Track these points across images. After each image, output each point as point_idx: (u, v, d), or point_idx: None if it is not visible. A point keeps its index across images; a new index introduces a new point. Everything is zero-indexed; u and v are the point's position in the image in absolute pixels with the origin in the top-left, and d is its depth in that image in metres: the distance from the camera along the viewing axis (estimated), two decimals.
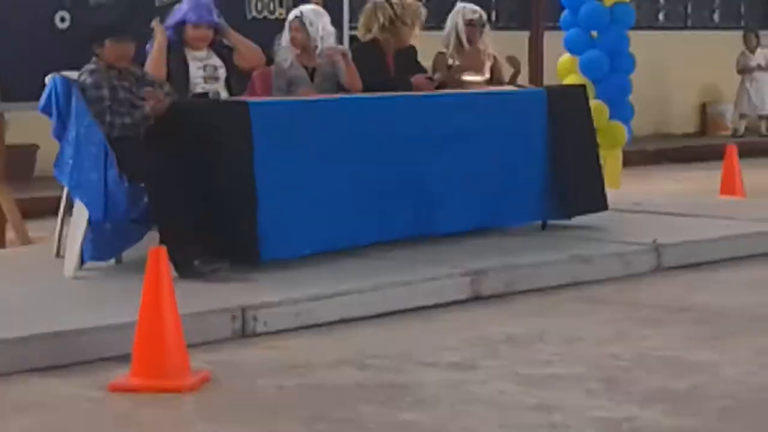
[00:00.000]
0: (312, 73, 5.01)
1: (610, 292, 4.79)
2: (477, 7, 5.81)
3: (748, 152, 8.28)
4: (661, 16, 11.39)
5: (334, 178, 4.64)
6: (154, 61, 4.60)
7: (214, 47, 4.79)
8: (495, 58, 5.86)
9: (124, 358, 3.21)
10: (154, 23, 4.65)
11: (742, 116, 10.91)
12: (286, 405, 3.04)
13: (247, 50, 4.82)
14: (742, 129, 10.91)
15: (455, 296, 4.45)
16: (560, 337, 3.88)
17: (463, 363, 3.51)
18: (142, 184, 4.29)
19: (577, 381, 3.17)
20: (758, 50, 10.85)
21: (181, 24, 4.66)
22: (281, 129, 4.55)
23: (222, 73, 4.78)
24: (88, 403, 3.05)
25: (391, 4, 5.31)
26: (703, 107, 11.43)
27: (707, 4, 11.81)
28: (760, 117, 11.02)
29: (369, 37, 5.40)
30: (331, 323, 4.03)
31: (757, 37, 10.84)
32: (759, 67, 10.83)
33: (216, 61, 4.77)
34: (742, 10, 12.12)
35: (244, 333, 3.84)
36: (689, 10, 11.68)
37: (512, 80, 5.90)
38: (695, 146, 10.17)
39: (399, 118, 4.97)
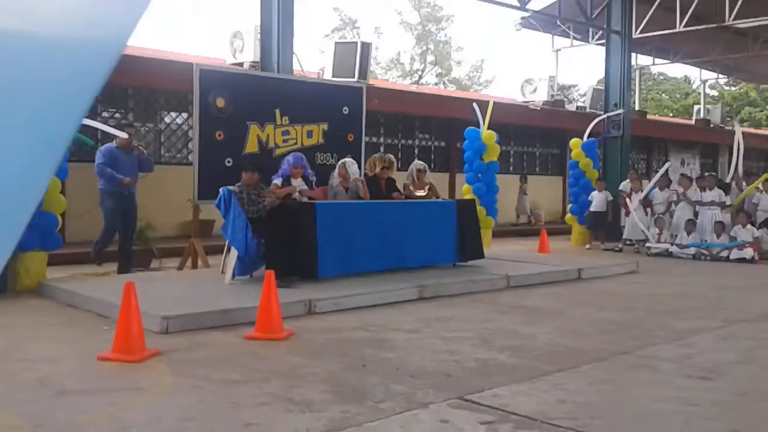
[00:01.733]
0: (346, 190, 8.48)
1: (484, 297, 7.47)
2: (421, 162, 9.58)
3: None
4: (511, 168, 19.35)
5: (356, 236, 7.65)
6: (275, 186, 7.87)
7: (304, 177, 8.15)
8: (432, 185, 9.63)
9: (252, 323, 5.51)
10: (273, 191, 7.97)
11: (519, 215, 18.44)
12: (330, 347, 5.10)
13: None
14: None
15: (411, 297, 7.15)
16: (460, 318, 6.26)
17: (413, 329, 5.79)
18: (263, 240, 7.20)
19: (468, 340, 5.40)
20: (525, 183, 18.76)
21: (290, 165, 7.96)
22: (330, 214, 7.66)
23: (306, 188, 8.12)
24: (235, 344, 5.17)
25: (381, 159, 8.68)
26: (530, 210, 19.00)
27: (532, 163, 20.52)
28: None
29: (371, 173, 8.90)
30: (350, 309, 6.53)
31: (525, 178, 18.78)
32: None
33: (304, 185, 8.11)
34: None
35: (310, 312, 6.32)
36: (524, 165, 20.07)
37: (438, 196, 9.86)
38: (527, 229, 17.22)
39: (387, 211, 8.19)
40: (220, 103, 8.90)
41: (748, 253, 11.20)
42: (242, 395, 3.98)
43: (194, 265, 9.00)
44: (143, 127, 13.27)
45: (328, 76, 15.20)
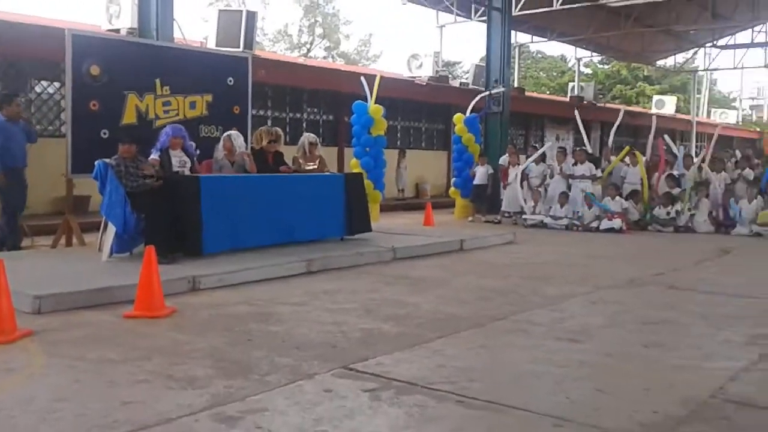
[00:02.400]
0: (232, 164, 8.27)
1: (371, 269, 7.64)
2: (313, 135, 9.48)
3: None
4: (398, 143, 19.72)
5: (243, 211, 7.57)
6: (151, 159, 7.57)
7: (184, 150, 7.82)
8: (321, 158, 9.56)
9: (131, 302, 5.32)
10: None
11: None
12: (214, 323, 5.05)
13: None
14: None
15: (299, 271, 7.20)
16: (347, 291, 6.36)
17: (300, 303, 5.82)
18: (143, 215, 6.93)
19: (354, 311, 5.50)
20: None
21: (168, 136, 7.63)
22: (215, 189, 7.49)
23: (186, 161, 7.82)
24: (113, 323, 5.02)
25: (268, 132, 8.65)
26: (416, 184, 19.76)
27: (418, 138, 20.83)
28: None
29: (258, 146, 8.73)
30: (236, 284, 6.46)
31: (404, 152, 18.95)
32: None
33: (184, 156, 7.80)
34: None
35: (194, 289, 6.21)
36: (411, 140, 20.45)
37: (327, 169, 9.83)
38: (413, 202, 17.74)
39: (274, 185, 8.13)
40: (95, 71, 8.46)
41: (617, 223, 11.95)
42: (120, 374, 3.88)
43: (68, 243, 8.55)
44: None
45: (211, 45, 14.77)
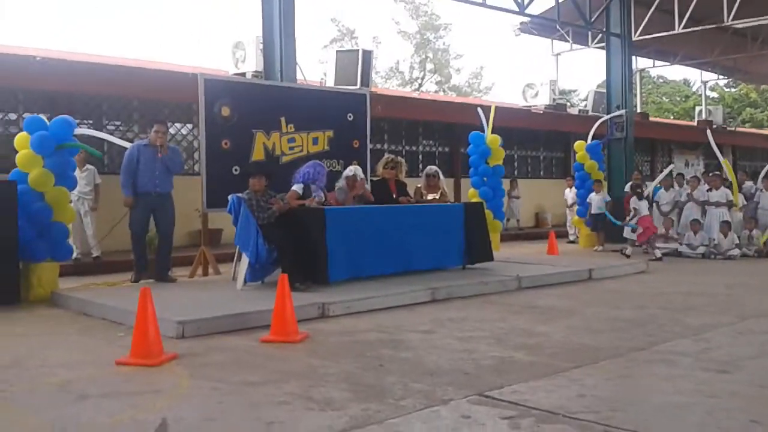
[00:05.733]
0: (354, 196, 8.45)
1: (496, 299, 7.48)
2: (434, 167, 9.56)
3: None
4: (515, 172, 19.59)
5: (365, 240, 7.71)
6: (292, 194, 7.83)
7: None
8: (444, 191, 9.61)
9: (266, 327, 5.50)
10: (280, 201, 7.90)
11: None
12: (346, 348, 5.12)
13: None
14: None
15: (423, 299, 7.20)
16: (474, 319, 6.29)
17: (428, 330, 5.81)
18: (273, 245, 7.20)
19: (483, 339, 5.41)
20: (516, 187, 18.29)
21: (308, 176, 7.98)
22: (340, 219, 7.66)
23: (321, 196, 8.09)
24: (251, 347, 5.18)
25: (386, 160, 8.81)
26: (536, 213, 19.43)
27: (536, 166, 20.77)
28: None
29: (380, 176, 8.93)
30: (363, 312, 6.56)
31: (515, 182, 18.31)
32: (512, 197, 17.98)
33: (319, 190, 8.13)
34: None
35: (323, 315, 6.35)
36: (529, 169, 20.33)
37: (446, 199, 9.75)
38: (533, 231, 17.67)
39: (395, 214, 8.24)
40: (225, 111, 8.94)
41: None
42: (261, 396, 3.99)
43: (205, 273, 9.02)
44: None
45: (330, 84, 15.26)
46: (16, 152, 7.93)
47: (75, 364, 4.79)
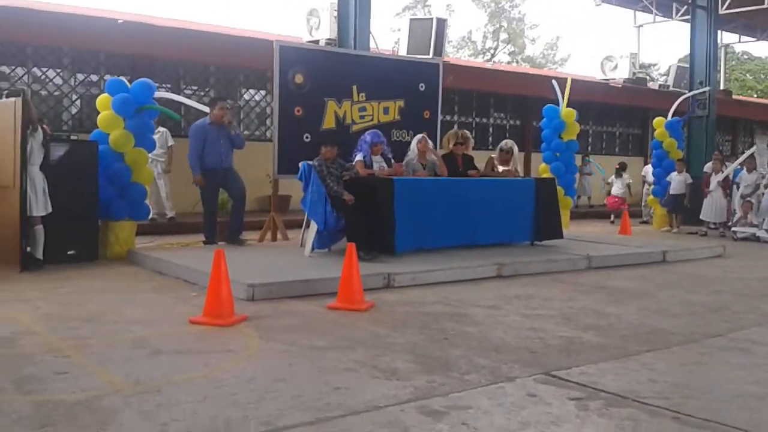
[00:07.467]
0: (424, 167, 8.36)
1: (566, 277, 7.32)
2: (509, 141, 9.39)
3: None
4: (589, 148, 19.07)
5: (432, 213, 7.64)
6: (358, 164, 7.83)
7: (382, 155, 8.04)
8: (516, 167, 9.30)
9: (333, 294, 5.58)
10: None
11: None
12: (411, 319, 5.13)
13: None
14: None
15: (489, 274, 7.13)
16: (541, 297, 6.19)
17: (494, 306, 5.76)
18: (342, 214, 7.24)
19: (551, 318, 5.32)
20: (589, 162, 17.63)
21: (367, 144, 7.88)
22: (408, 190, 7.59)
23: (384, 166, 7.99)
24: (318, 313, 5.27)
25: (455, 134, 8.69)
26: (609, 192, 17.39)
27: (611, 143, 19.97)
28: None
29: (447, 150, 8.77)
30: (428, 284, 6.56)
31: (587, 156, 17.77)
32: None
33: (383, 161, 8.00)
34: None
35: (388, 286, 6.39)
36: (604, 145, 19.81)
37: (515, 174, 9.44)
38: (605, 210, 15.85)
39: (464, 187, 8.06)
40: (299, 79, 8.99)
41: None
42: (329, 361, 4.05)
43: (273, 238, 9.18)
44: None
45: (402, 53, 15.14)
46: (98, 113, 8.17)
47: (149, 321, 4.96)
